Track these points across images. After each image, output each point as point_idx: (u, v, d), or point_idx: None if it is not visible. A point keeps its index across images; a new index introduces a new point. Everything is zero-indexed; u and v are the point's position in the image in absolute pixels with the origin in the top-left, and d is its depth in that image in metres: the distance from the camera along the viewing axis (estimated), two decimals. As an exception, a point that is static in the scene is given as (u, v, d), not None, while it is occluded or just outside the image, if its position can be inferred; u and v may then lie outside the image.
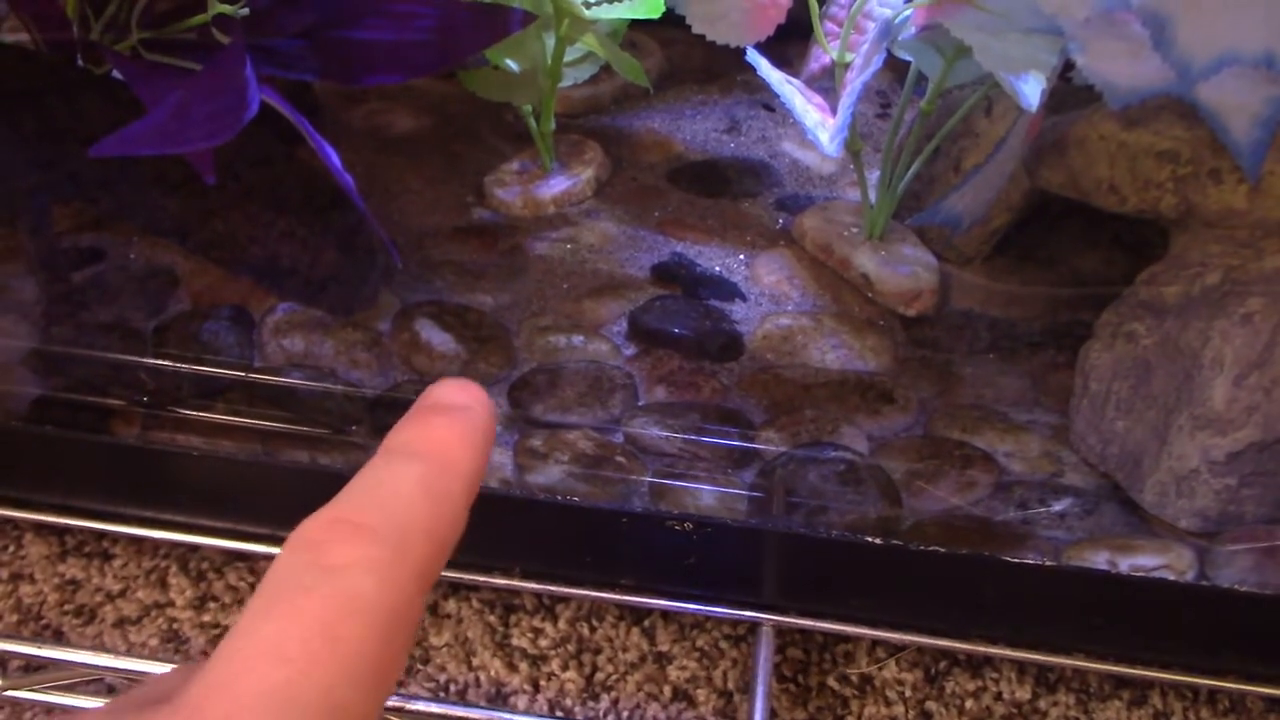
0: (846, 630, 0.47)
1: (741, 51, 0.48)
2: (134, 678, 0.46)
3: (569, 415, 0.47)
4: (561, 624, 0.49)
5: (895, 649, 0.49)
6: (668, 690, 0.48)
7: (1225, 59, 0.39)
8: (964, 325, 0.52)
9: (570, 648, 0.49)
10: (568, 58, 0.54)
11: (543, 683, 0.48)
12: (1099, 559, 0.43)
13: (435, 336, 0.49)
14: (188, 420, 0.47)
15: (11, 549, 0.51)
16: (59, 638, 0.49)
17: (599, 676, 0.48)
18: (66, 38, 0.49)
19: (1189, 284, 0.44)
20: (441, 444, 0.23)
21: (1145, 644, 0.46)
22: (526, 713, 0.47)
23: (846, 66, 0.48)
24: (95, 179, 0.52)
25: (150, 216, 0.52)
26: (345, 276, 0.52)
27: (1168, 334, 0.44)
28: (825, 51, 0.49)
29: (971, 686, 0.48)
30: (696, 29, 0.48)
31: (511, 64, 0.54)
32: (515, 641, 0.49)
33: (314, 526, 0.20)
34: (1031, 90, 0.43)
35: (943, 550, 0.44)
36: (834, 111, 0.47)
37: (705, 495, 0.45)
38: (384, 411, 0.47)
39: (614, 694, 0.47)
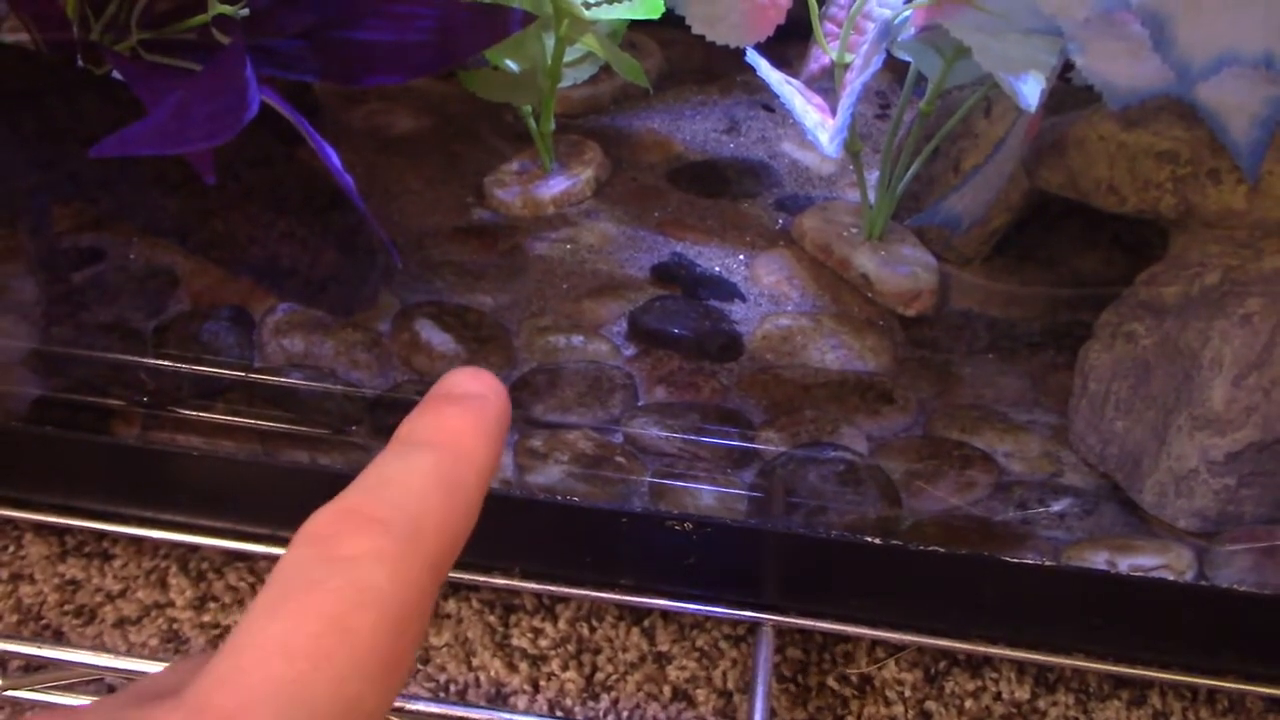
0: (846, 630, 0.47)
1: (741, 52, 0.48)
2: (134, 678, 0.46)
3: (569, 415, 0.47)
4: (561, 624, 0.49)
5: (895, 649, 0.49)
6: (667, 690, 0.48)
7: (1224, 59, 0.39)
8: (963, 325, 0.52)
9: (570, 648, 0.49)
10: (567, 58, 0.54)
11: (543, 683, 0.48)
12: (1098, 559, 0.43)
13: (435, 337, 0.49)
14: (188, 420, 0.47)
15: (11, 549, 0.51)
16: (59, 638, 0.49)
17: (599, 676, 0.48)
18: (66, 38, 0.49)
19: (1188, 284, 0.44)
20: (455, 433, 0.22)
21: (1144, 644, 0.46)
22: (526, 713, 0.47)
23: (846, 67, 0.48)
24: (95, 179, 0.52)
25: (150, 217, 0.52)
26: (345, 277, 0.52)
27: (1167, 334, 0.44)
28: (825, 52, 0.49)
29: (971, 686, 0.48)
30: (696, 30, 0.48)
31: (511, 64, 0.54)
32: (515, 641, 0.49)
33: (324, 519, 0.20)
34: (1031, 91, 0.43)
35: (942, 550, 0.44)
36: (833, 112, 0.47)
37: (705, 495, 0.45)
38: (384, 412, 0.47)
39: (614, 694, 0.47)
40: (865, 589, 0.46)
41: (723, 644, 0.49)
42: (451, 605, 0.50)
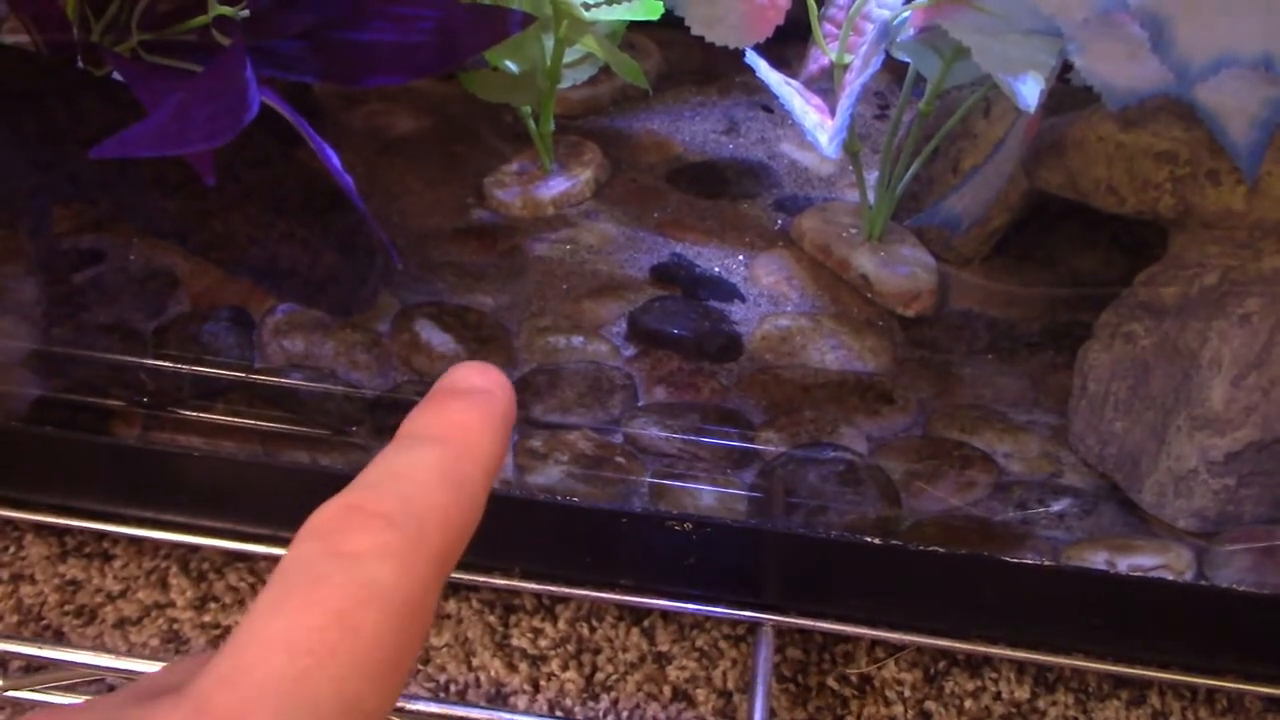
0: (846, 630, 0.47)
1: (740, 53, 0.48)
2: (134, 678, 0.46)
3: (569, 416, 0.47)
4: (561, 624, 0.49)
5: (895, 649, 0.49)
6: (667, 690, 0.48)
7: (1223, 60, 0.39)
8: (963, 326, 0.52)
9: (570, 648, 0.49)
10: (567, 59, 0.54)
11: (543, 683, 0.48)
12: (1098, 559, 0.43)
13: (435, 337, 0.49)
14: (188, 421, 0.47)
15: (12, 550, 0.51)
16: (59, 638, 0.49)
17: (599, 676, 0.48)
18: (67, 39, 0.49)
19: (1187, 285, 0.44)
20: (460, 428, 0.22)
21: (1144, 644, 0.46)
22: (526, 713, 0.47)
23: (845, 68, 0.48)
24: (95, 180, 0.52)
25: (150, 218, 0.52)
26: (345, 277, 0.52)
27: (1166, 334, 0.44)
28: (824, 53, 0.49)
29: (970, 686, 0.48)
30: (695, 31, 0.48)
31: (511, 65, 0.54)
32: (515, 642, 0.49)
33: (328, 514, 0.20)
34: (1030, 91, 0.43)
35: (942, 550, 0.44)
36: (833, 113, 0.47)
37: (705, 495, 0.45)
38: (384, 412, 0.47)
39: (614, 694, 0.47)
40: (865, 589, 0.46)
41: (723, 644, 0.49)
42: (452, 605, 0.50)
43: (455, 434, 0.22)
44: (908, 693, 0.48)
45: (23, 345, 0.49)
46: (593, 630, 0.49)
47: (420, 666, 0.48)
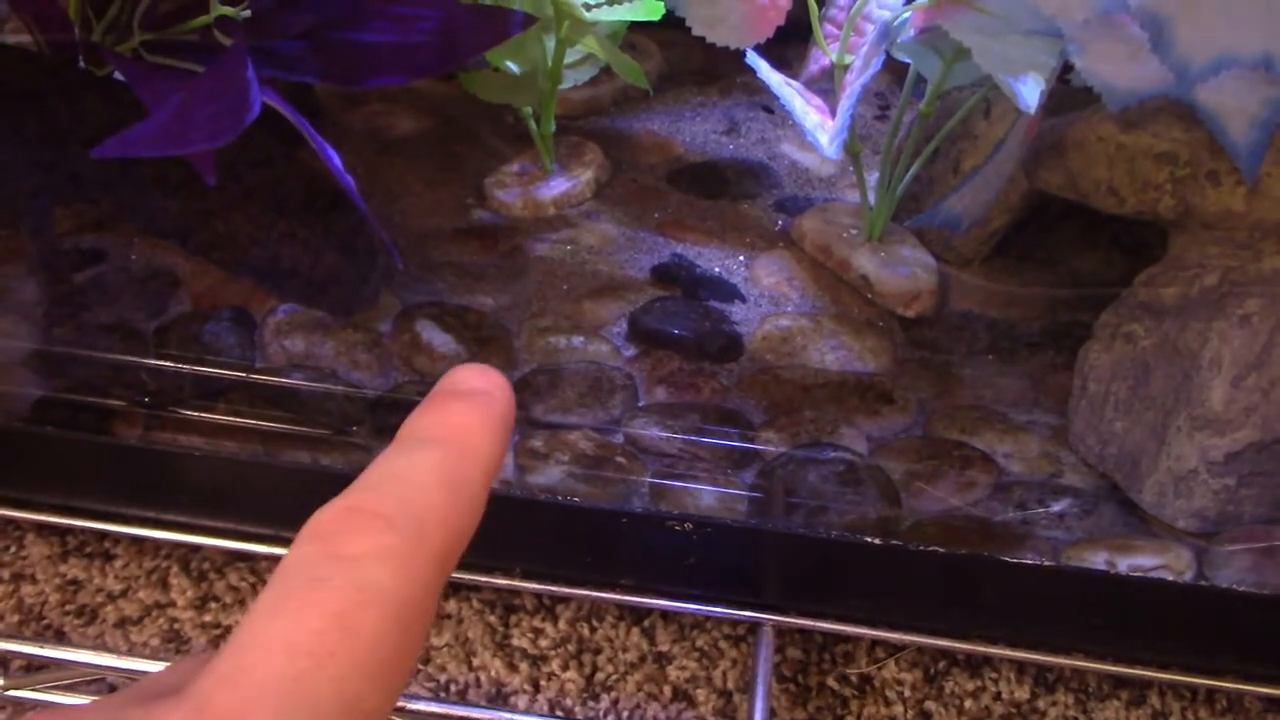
0: (846, 630, 0.47)
1: (741, 53, 0.48)
2: (135, 678, 0.46)
3: (569, 416, 0.47)
4: (562, 624, 0.49)
5: (895, 649, 0.49)
6: (668, 690, 0.48)
7: (1223, 61, 0.39)
8: (963, 326, 0.52)
9: (570, 648, 0.49)
10: (568, 60, 0.54)
11: (543, 683, 0.48)
12: (1098, 559, 0.43)
13: (436, 337, 0.49)
14: (189, 421, 0.47)
15: (13, 549, 0.51)
16: (60, 638, 0.49)
17: (599, 676, 0.48)
18: (68, 39, 0.49)
19: (1187, 285, 0.44)
20: (460, 430, 0.22)
21: (1144, 644, 0.46)
22: (527, 713, 0.47)
23: (846, 68, 0.48)
24: (97, 180, 0.53)
25: (151, 218, 0.53)
26: (346, 277, 0.52)
27: (1166, 335, 0.44)
28: (824, 54, 0.49)
29: (970, 686, 0.48)
30: (696, 31, 0.48)
31: (512, 66, 0.54)
32: (515, 641, 0.49)
33: (327, 516, 0.20)
34: (1030, 92, 0.43)
35: (942, 550, 0.44)
36: (833, 113, 0.47)
37: (705, 495, 0.46)
38: (385, 412, 0.48)
39: (614, 694, 0.47)
40: (865, 589, 0.46)
41: (723, 644, 0.49)
42: (452, 605, 0.50)
43: (455, 436, 0.22)
44: (908, 693, 0.48)
45: (24, 345, 0.49)
46: (593, 630, 0.49)
47: (421, 666, 0.48)
